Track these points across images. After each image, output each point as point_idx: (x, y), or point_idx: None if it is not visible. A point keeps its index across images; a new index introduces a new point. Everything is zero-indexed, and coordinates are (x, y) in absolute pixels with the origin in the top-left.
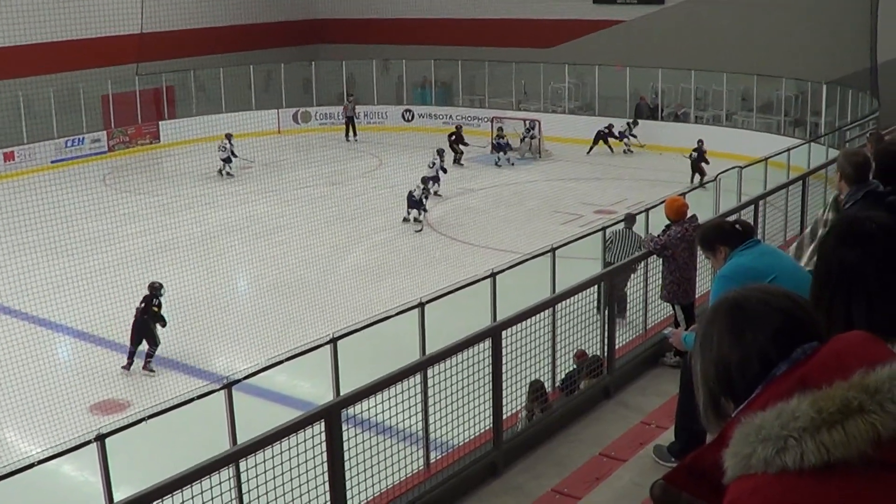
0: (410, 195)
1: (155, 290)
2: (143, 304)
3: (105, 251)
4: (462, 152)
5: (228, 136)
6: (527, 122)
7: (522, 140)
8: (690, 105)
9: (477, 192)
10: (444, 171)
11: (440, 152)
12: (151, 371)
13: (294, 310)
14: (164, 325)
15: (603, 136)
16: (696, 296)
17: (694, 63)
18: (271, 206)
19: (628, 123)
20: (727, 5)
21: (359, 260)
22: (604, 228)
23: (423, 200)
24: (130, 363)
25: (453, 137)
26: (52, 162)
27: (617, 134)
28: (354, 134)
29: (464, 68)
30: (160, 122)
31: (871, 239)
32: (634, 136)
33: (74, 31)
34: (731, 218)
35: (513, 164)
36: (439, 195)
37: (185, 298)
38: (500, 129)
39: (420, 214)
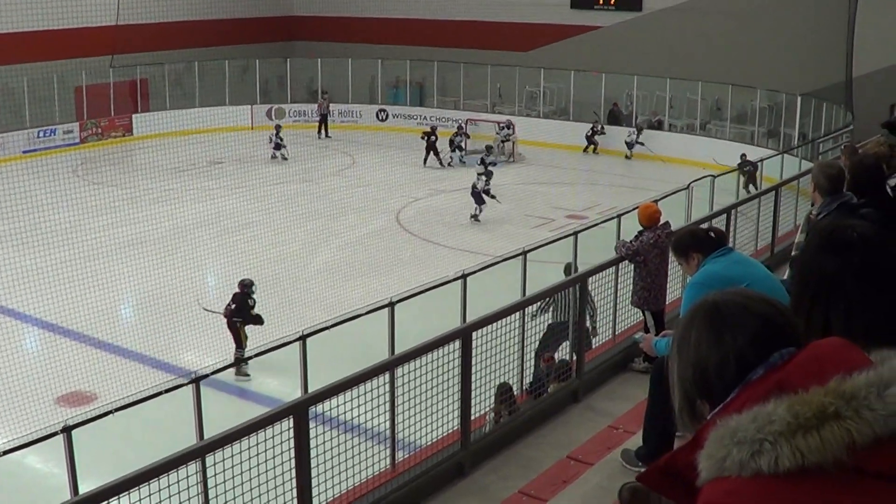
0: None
1: (246, 287)
2: (233, 305)
3: (75, 243)
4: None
5: (278, 128)
6: (501, 124)
7: (497, 143)
8: (665, 113)
9: (449, 193)
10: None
11: (488, 148)
12: (246, 376)
13: (264, 306)
14: (261, 324)
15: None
16: (667, 302)
17: (669, 71)
18: (243, 201)
19: (637, 131)
20: (704, 15)
21: (330, 258)
22: (576, 233)
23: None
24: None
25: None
26: (24, 152)
27: (599, 130)
28: (326, 133)
29: (439, 69)
30: (133, 115)
31: (850, 247)
32: (642, 144)
33: (49, 22)
34: (704, 226)
35: (464, 163)
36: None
37: (155, 292)
38: (460, 126)
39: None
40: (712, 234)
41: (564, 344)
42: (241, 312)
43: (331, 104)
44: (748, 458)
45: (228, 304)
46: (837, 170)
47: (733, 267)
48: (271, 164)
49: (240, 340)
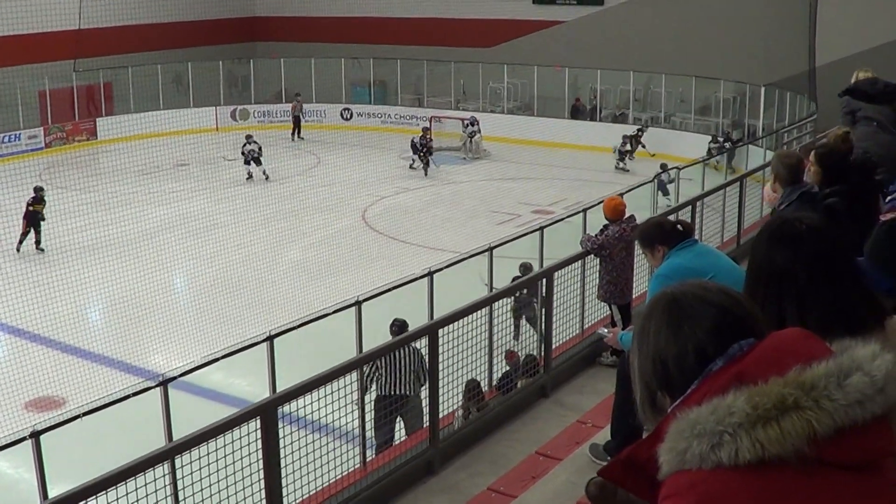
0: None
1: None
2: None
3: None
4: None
5: (248, 137)
6: (466, 121)
7: (465, 141)
8: (629, 106)
9: (415, 191)
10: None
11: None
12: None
13: (231, 307)
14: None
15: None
16: (633, 296)
17: (633, 64)
18: (208, 203)
19: (639, 130)
20: (667, 7)
21: (296, 258)
22: (542, 228)
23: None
24: None
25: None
26: None
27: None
28: (300, 134)
29: (402, 67)
30: (97, 119)
31: (800, 240)
32: (643, 146)
33: (10, 27)
34: (672, 218)
35: (437, 166)
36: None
37: (122, 295)
38: (426, 129)
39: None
40: (679, 227)
41: (532, 336)
42: None
43: (303, 105)
44: (708, 450)
45: None
46: (796, 159)
47: (698, 259)
48: (234, 165)
49: None
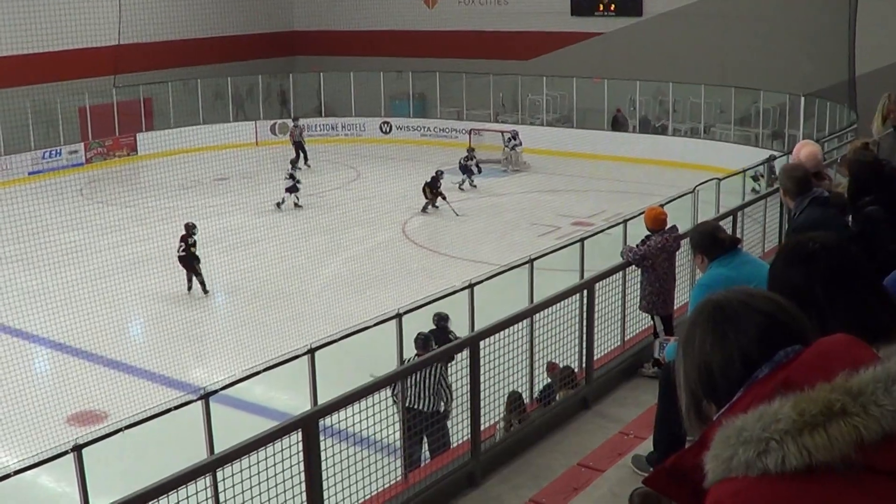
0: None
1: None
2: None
3: (82, 263)
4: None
5: (293, 163)
6: (506, 134)
7: (506, 155)
8: (668, 117)
9: (454, 203)
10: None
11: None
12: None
13: (272, 321)
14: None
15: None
16: (675, 306)
17: (672, 75)
18: (248, 217)
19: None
20: (705, 18)
21: (337, 271)
22: (582, 240)
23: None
24: None
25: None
26: (30, 174)
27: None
28: (306, 160)
29: (441, 80)
30: (138, 134)
31: (814, 259)
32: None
33: (51, 43)
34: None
35: (474, 187)
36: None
37: (163, 309)
38: (472, 150)
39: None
40: (723, 239)
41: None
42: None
43: (303, 131)
44: (754, 457)
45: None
46: (801, 172)
47: (740, 268)
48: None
49: None
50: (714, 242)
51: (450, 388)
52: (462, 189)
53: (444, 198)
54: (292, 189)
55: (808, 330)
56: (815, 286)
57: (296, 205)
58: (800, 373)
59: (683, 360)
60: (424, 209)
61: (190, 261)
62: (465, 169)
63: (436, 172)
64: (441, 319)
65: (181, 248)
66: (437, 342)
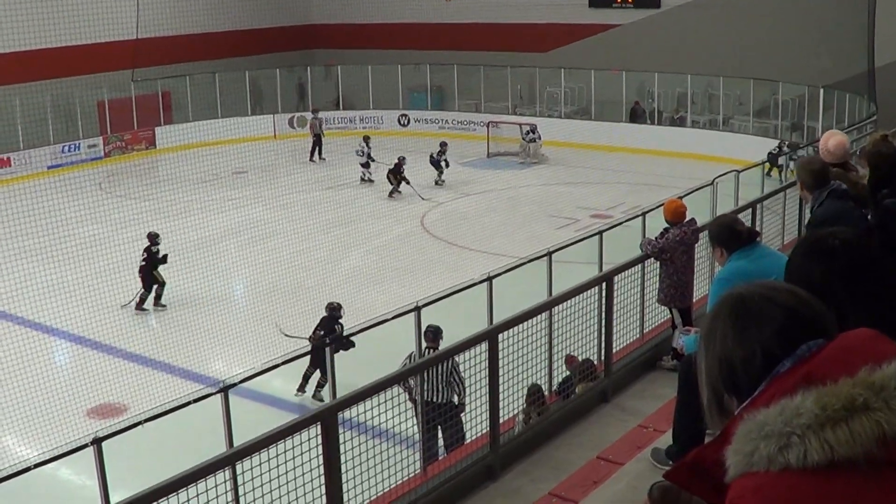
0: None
1: (334, 310)
2: (321, 331)
3: (101, 256)
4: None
5: (366, 139)
6: (525, 126)
7: (523, 147)
8: (687, 109)
9: (473, 196)
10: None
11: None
12: (321, 400)
13: (291, 314)
14: (351, 347)
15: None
16: (694, 299)
17: (690, 67)
18: (267, 210)
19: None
20: (723, 9)
21: (356, 264)
22: (601, 232)
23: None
24: None
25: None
26: (49, 168)
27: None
28: (321, 154)
29: (459, 73)
30: (156, 128)
31: (834, 255)
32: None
33: (70, 38)
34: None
35: (443, 181)
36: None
37: (182, 302)
38: (444, 144)
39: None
40: (741, 231)
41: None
42: (333, 339)
43: (323, 124)
44: (776, 452)
45: (316, 330)
46: (819, 164)
47: (759, 261)
48: (292, 172)
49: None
50: (732, 235)
51: (462, 379)
52: (437, 184)
53: (407, 182)
54: (366, 165)
55: (831, 324)
56: (836, 282)
57: (366, 179)
58: (822, 367)
59: (705, 353)
60: (391, 195)
61: (148, 272)
62: (435, 164)
63: (398, 158)
64: (333, 310)
65: (142, 259)
66: (325, 329)
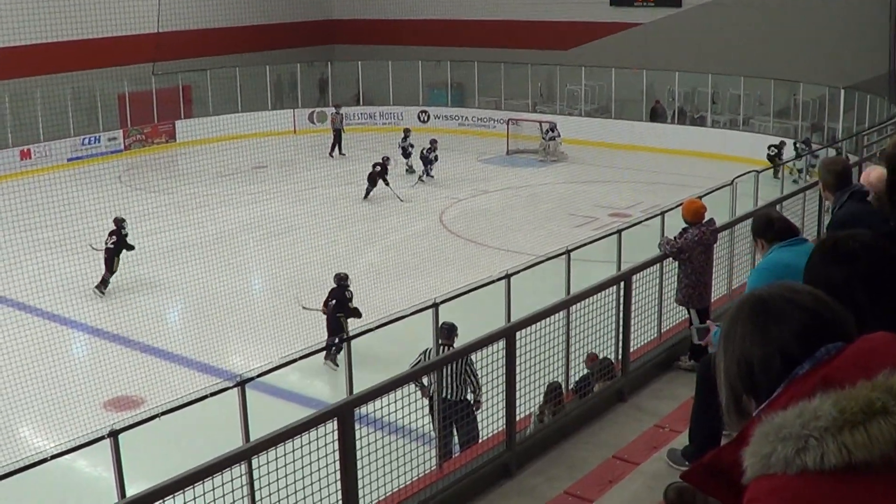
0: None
1: (342, 280)
2: (333, 301)
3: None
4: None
5: (406, 132)
6: (545, 125)
7: (543, 145)
8: (707, 108)
9: (491, 193)
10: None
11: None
12: (335, 365)
13: (309, 304)
14: (359, 317)
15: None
16: (712, 299)
17: (711, 66)
18: (286, 205)
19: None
20: (744, 8)
21: (374, 260)
22: (619, 231)
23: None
24: None
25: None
26: (69, 160)
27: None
28: (340, 150)
29: (480, 70)
30: (176, 122)
31: (855, 257)
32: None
33: (91, 31)
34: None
35: (432, 177)
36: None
37: (200, 296)
38: (434, 141)
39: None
40: (776, 219)
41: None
42: (342, 307)
43: (344, 119)
44: (793, 454)
45: (327, 300)
46: (842, 165)
47: (800, 258)
48: (312, 167)
49: (340, 329)
50: (768, 224)
51: (476, 376)
52: (422, 180)
53: (386, 183)
54: (406, 155)
55: (851, 327)
56: (856, 286)
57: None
58: (841, 370)
59: (724, 354)
60: (366, 197)
61: (113, 256)
62: (425, 160)
63: (382, 158)
64: (341, 280)
65: (110, 241)
66: (337, 299)
